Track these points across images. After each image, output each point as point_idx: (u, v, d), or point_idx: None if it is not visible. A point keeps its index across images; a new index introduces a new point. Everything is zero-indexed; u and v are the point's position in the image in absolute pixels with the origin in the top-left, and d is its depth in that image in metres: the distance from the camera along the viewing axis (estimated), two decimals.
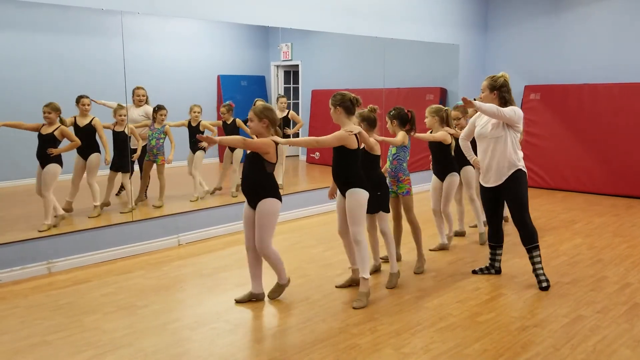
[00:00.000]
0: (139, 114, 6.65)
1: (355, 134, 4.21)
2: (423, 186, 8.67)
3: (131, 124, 6.21)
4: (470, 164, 5.55)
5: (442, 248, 5.70)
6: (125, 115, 6.08)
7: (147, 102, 6.75)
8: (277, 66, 8.70)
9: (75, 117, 5.86)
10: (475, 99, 4.37)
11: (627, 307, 4.18)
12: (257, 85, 8.53)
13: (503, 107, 4.47)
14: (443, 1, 9.17)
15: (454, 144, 5.41)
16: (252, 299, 4.33)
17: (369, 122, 4.64)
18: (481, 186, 4.77)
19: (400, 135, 4.95)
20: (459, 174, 5.69)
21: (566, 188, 8.85)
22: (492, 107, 4.35)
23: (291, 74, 9.04)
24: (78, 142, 5.62)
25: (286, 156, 8.19)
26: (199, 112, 6.97)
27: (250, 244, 4.26)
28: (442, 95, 9.41)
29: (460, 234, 6.17)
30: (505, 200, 4.66)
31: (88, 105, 5.89)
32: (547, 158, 9.04)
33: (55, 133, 5.46)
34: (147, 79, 6.85)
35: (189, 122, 6.98)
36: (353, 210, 4.25)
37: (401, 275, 4.93)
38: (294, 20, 7.07)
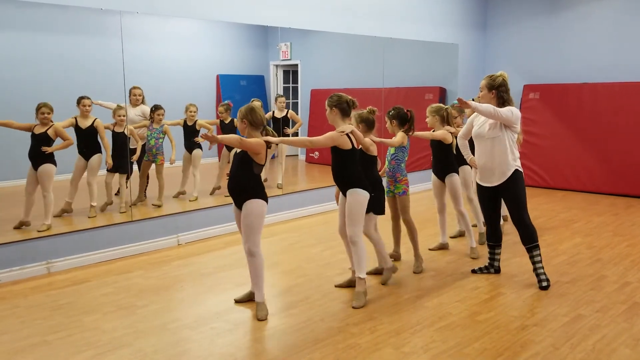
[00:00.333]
0: (136, 114, 6.65)
1: (348, 134, 4.23)
2: (422, 186, 8.68)
3: (128, 124, 6.21)
4: (468, 164, 5.53)
5: (442, 247, 5.69)
6: (124, 116, 6.08)
7: (143, 102, 6.75)
8: (277, 66, 8.70)
9: (76, 118, 5.85)
10: (473, 99, 4.37)
11: (626, 306, 4.18)
12: (257, 84, 8.53)
13: (501, 106, 4.46)
14: (442, 1, 9.16)
15: (455, 143, 5.40)
16: (252, 299, 4.33)
17: (367, 124, 4.65)
18: (478, 185, 4.77)
19: (399, 136, 4.95)
20: (458, 174, 5.67)
21: (566, 187, 8.85)
22: (489, 107, 4.34)
23: (290, 74, 9.04)
24: (71, 140, 5.59)
25: (286, 155, 8.19)
26: (194, 112, 6.96)
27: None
28: (442, 94, 9.41)
29: (461, 234, 6.16)
30: (504, 201, 4.66)
31: (89, 106, 5.88)
32: (547, 157, 9.04)
33: (49, 132, 5.43)
34: (146, 78, 6.86)
35: (185, 122, 6.97)
36: (352, 210, 4.27)
37: (401, 275, 4.94)
38: (293, 20, 7.07)
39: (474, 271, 4.97)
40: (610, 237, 6.10)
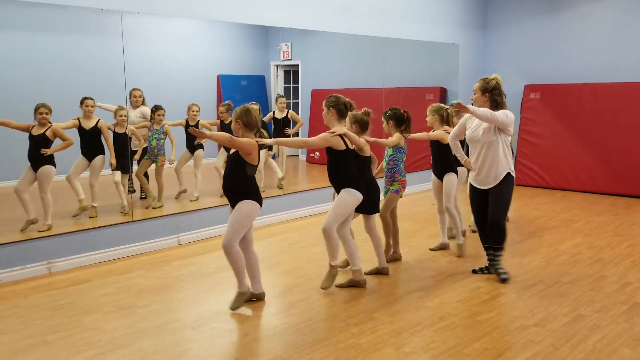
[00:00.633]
0: (136, 115, 6.66)
1: (341, 135, 4.26)
2: (422, 186, 8.68)
3: (129, 125, 6.20)
4: (462, 165, 5.51)
5: (443, 247, 5.69)
6: (125, 116, 6.08)
7: (143, 103, 6.75)
8: (277, 66, 8.70)
9: (79, 119, 5.83)
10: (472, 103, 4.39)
11: (626, 307, 4.18)
12: (257, 85, 8.54)
13: (494, 109, 4.50)
14: (443, 1, 9.16)
15: None
16: (252, 299, 4.33)
17: (361, 125, 4.70)
18: (471, 187, 4.79)
19: (395, 137, 4.98)
20: (457, 174, 5.66)
21: (566, 187, 8.85)
22: (486, 112, 4.38)
23: (291, 74, 9.05)
24: (71, 140, 5.54)
25: (287, 156, 8.20)
26: (197, 112, 6.94)
27: (241, 244, 4.22)
28: (442, 94, 9.41)
29: (452, 236, 6.13)
30: (489, 199, 4.67)
31: (92, 107, 5.85)
32: (547, 157, 9.04)
33: (47, 133, 5.39)
34: (147, 78, 6.87)
35: (187, 122, 6.97)
36: (337, 205, 4.39)
37: (401, 275, 4.95)
38: (293, 20, 7.07)
39: (474, 271, 4.97)
40: (610, 237, 6.10)
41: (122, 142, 6.08)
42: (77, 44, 6.09)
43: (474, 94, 4.63)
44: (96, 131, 5.87)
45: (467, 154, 4.92)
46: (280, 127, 7.72)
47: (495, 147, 4.52)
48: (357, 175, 4.43)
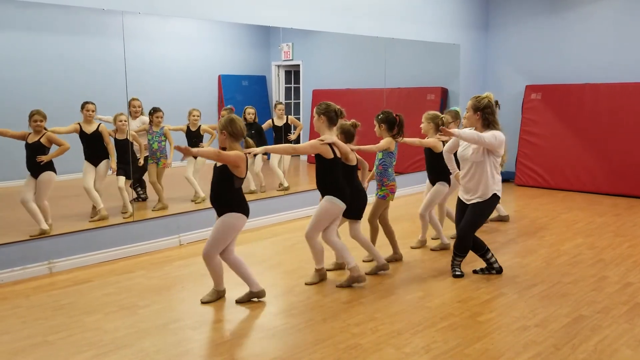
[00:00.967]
0: (137, 126, 6.65)
1: (330, 144, 4.33)
2: (418, 187, 8.67)
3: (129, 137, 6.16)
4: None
5: (443, 248, 5.69)
6: (125, 121, 6.07)
7: (142, 113, 6.74)
8: (278, 66, 8.70)
9: (79, 124, 5.80)
10: (464, 117, 4.42)
11: (628, 307, 4.18)
12: (258, 85, 8.54)
13: (486, 128, 4.53)
14: (444, 1, 9.16)
15: None
16: (253, 298, 4.34)
17: (347, 135, 4.76)
18: (459, 199, 4.83)
19: (384, 142, 5.00)
20: (449, 185, 5.62)
21: (567, 188, 8.84)
22: (473, 134, 4.40)
23: (292, 74, 9.04)
24: (67, 145, 5.46)
25: (291, 156, 8.19)
26: (198, 116, 6.92)
27: (222, 253, 4.28)
28: (443, 95, 9.41)
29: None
30: (467, 210, 4.70)
31: (93, 111, 5.82)
32: (548, 157, 9.04)
33: (42, 140, 5.34)
34: (148, 79, 6.87)
35: (188, 127, 6.94)
36: (318, 213, 4.51)
37: (401, 275, 4.96)
38: (293, 20, 7.07)
39: (475, 272, 4.97)
40: (611, 238, 6.09)
41: (123, 147, 6.07)
42: (77, 44, 6.09)
43: (466, 112, 4.65)
44: (98, 135, 5.85)
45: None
46: (282, 134, 7.67)
47: (483, 168, 4.56)
48: (343, 185, 4.51)
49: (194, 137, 6.90)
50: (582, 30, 8.95)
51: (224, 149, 4.09)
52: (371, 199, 5.02)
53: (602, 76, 8.71)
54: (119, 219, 5.82)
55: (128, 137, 6.08)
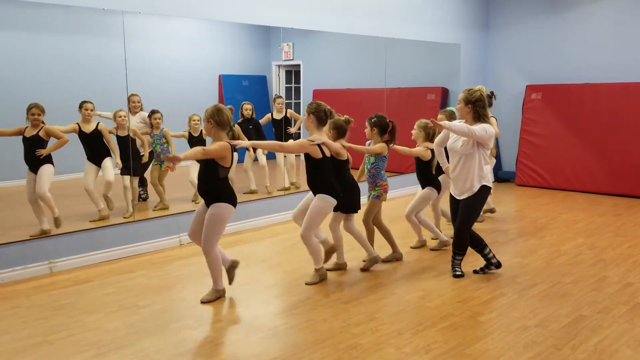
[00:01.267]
0: (136, 121, 6.64)
1: (319, 144, 4.37)
2: (415, 188, 8.65)
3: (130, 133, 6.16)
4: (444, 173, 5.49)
5: (443, 246, 5.69)
6: (125, 117, 6.06)
7: (142, 109, 6.73)
8: (279, 66, 8.70)
9: (78, 124, 5.77)
10: (455, 110, 4.42)
11: (628, 307, 4.18)
12: (259, 85, 8.54)
13: (476, 121, 4.55)
14: (444, 1, 9.15)
15: (434, 162, 5.41)
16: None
17: (339, 131, 4.81)
18: (450, 195, 4.84)
19: (379, 147, 5.04)
20: (438, 192, 5.62)
21: (567, 188, 8.84)
22: (463, 127, 4.43)
23: (292, 74, 9.04)
24: (66, 138, 5.44)
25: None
26: (198, 121, 6.89)
27: (194, 237, 4.35)
28: (444, 95, 9.41)
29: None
30: (460, 208, 4.72)
31: (91, 110, 5.80)
32: (549, 157, 9.04)
33: (41, 134, 5.30)
34: (148, 78, 6.86)
35: (189, 133, 6.89)
36: (312, 213, 4.53)
37: (401, 275, 4.96)
38: (293, 20, 7.07)
39: (475, 271, 4.97)
40: (612, 238, 6.09)
41: (124, 144, 6.07)
42: (77, 44, 6.09)
43: (458, 104, 4.66)
44: (97, 134, 5.84)
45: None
46: (281, 128, 7.69)
47: (471, 160, 4.57)
48: (333, 183, 4.57)
49: (197, 143, 6.82)
50: (582, 30, 8.94)
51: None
52: (364, 199, 5.04)
53: (602, 76, 8.70)
54: (120, 219, 5.82)
55: (129, 133, 6.07)
